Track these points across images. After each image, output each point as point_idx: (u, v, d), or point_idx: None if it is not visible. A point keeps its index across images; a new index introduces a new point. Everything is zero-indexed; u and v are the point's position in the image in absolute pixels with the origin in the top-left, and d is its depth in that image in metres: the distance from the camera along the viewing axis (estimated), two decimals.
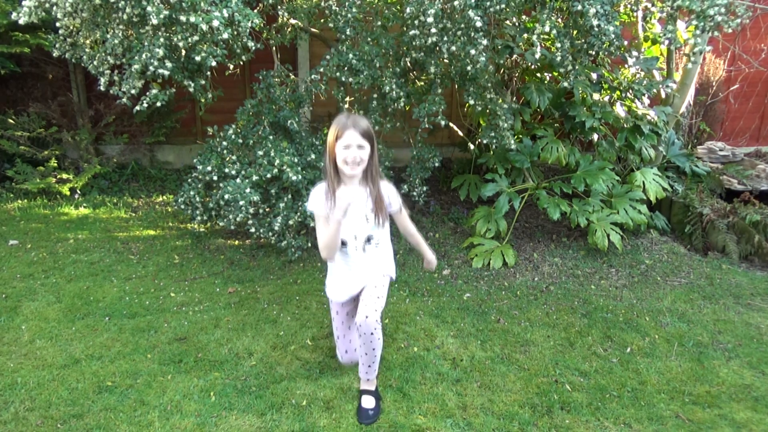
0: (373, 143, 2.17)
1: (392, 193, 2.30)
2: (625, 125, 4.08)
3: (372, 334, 2.20)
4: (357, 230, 2.26)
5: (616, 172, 4.21)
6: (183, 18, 2.70)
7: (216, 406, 2.35)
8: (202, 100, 3.43)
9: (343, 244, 2.27)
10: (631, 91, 4.15)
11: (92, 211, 4.62)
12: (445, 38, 3.04)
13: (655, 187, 4.07)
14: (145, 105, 3.10)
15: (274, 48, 3.92)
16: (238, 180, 3.33)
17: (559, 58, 3.13)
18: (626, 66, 4.38)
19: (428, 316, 3.12)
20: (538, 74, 4.34)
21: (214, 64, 2.90)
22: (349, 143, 2.11)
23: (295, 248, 3.52)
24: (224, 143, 3.53)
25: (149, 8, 2.65)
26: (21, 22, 2.95)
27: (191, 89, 3.16)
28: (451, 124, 4.63)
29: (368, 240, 2.28)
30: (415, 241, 2.51)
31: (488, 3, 2.92)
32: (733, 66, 5.63)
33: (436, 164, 3.89)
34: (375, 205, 2.22)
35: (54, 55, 3.41)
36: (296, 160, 3.36)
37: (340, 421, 2.28)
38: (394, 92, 3.40)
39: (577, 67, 3.30)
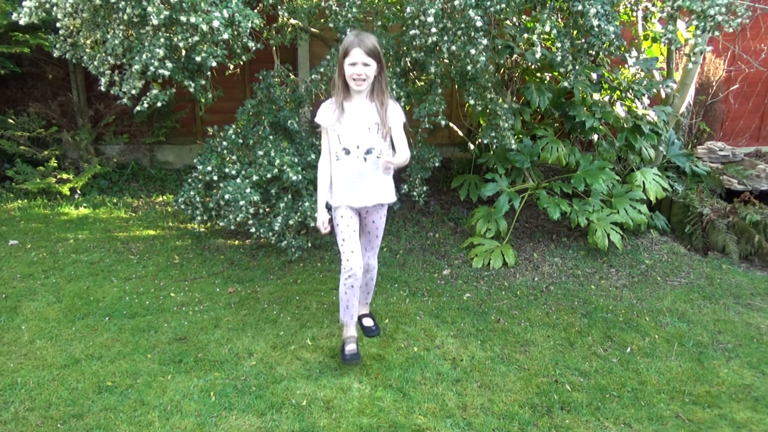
0: (380, 61, 2.34)
1: (396, 110, 2.43)
2: (625, 125, 4.08)
3: (372, 274, 2.79)
4: (360, 140, 2.42)
5: (616, 172, 4.21)
6: (183, 18, 2.70)
7: (216, 406, 2.35)
8: (202, 100, 3.43)
9: (347, 152, 2.44)
10: (631, 91, 4.15)
11: (92, 211, 4.62)
12: (446, 38, 3.04)
13: (655, 187, 4.07)
14: (146, 105, 3.10)
15: (274, 48, 3.92)
16: (238, 180, 3.33)
17: (559, 58, 3.13)
18: (626, 66, 4.38)
19: (428, 316, 3.12)
20: (538, 74, 4.33)
21: (214, 64, 2.90)
22: (355, 60, 2.29)
23: (296, 248, 3.52)
24: (224, 143, 3.53)
25: (149, 9, 2.65)
26: (21, 22, 2.95)
27: (191, 89, 3.16)
28: (451, 124, 4.63)
29: (369, 151, 2.43)
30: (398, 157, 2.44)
31: (488, 3, 2.92)
32: (733, 66, 5.63)
33: (436, 164, 3.88)
34: (379, 117, 2.39)
35: (54, 55, 3.41)
36: (296, 160, 3.36)
37: (340, 421, 2.28)
38: (394, 92, 3.40)
39: (577, 67, 3.30)
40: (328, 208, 2.61)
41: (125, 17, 2.84)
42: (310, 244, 3.62)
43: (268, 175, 3.30)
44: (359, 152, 2.43)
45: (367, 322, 2.94)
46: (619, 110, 4.22)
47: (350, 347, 2.61)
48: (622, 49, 3.18)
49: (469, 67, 3.16)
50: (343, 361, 2.58)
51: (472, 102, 3.54)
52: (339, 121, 2.40)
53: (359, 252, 2.54)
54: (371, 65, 2.32)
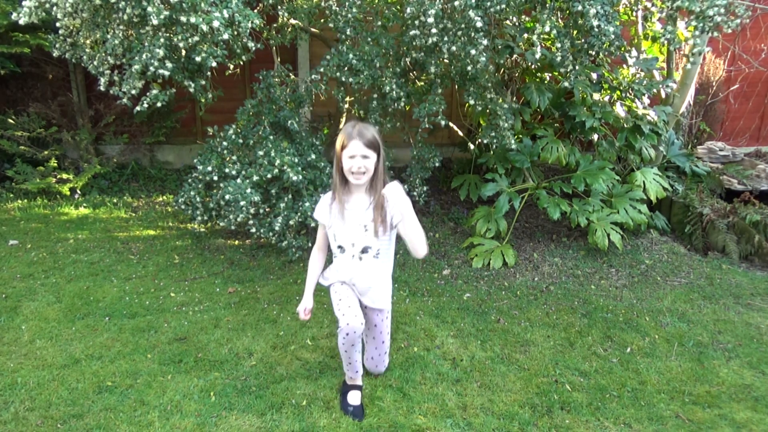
0: (379, 152, 2.19)
1: (395, 203, 2.10)
2: (625, 125, 4.08)
3: (376, 370, 2.55)
4: (354, 238, 2.27)
5: (616, 172, 4.21)
6: (183, 18, 2.70)
7: (216, 406, 2.35)
8: (202, 100, 3.43)
9: (342, 250, 2.31)
10: (631, 91, 4.15)
11: (92, 211, 4.62)
12: (446, 38, 3.04)
13: (655, 187, 4.07)
14: (146, 105, 3.10)
15: (274, 48, 3.92)
16: (238, 180, 3.33)
17: (559, 58, 3.13)
18: (626, 66, 4.38)
19: (428, 316, 3.12)
20: (538, 74, 4.34)
21: (214, 64, 2.90)
22: (354, 153, 2.15)
23: (296, 248, 3.52)
24: (224, 143, 3.53)
25: (149, 9, 2.65)
26: (21, 22, 2.95)
27: (191, 89, 3.16)
28: (451, 124, 4.63)
29: (365, 250, 2.27)
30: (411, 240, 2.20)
31: (488, 3, 2.92)
32: (733, 66, 5.63)
33: (436, 164, 3.89)
34: (374, 214, 2.22)
35: (54, 55, 3.41)
36: (296, 160, 3.36)
37: (340, 421, 2.28)
38: (394, 92, 3.40)
39: (577, 67, 3.30)
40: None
41: (125, 17, 2.84)
42: (310, 244, 3.62)
43: (269, 175, 3.30)
44: (354, 251, 2.28)
45: (352, 399, 2.41)
46: (619, 110, 4.22)
47: (353, 398, 2.37)
48: (622, 49, 3.18)
49: (469, 67, 3.16)
50: (344, 411, 2.34)
51: (472, 102, 3.54)
52: (336, 218, 2.26)
53: (356, 309, 2.24)
54: (371, 158, 2.16)
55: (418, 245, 2.13)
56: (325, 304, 3.20)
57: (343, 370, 2.42)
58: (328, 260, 2.45)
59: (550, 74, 4.39)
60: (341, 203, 2.25)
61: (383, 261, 2.32)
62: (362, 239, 2.26)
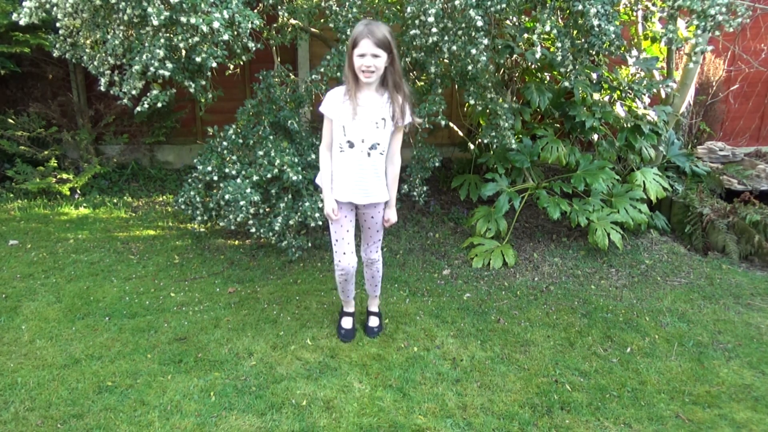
0: (391, 51, 2.24)
1: (407, 108, 2.37)
2: (625, 125, 4.08)
3: (377, 266, 2.76)
4: (366, 134, 2.35)
5: (616, 172, 4.21)
6: (183, 19, 2.70)
7: (216, 406, 2.35)
8: (202, 101, 3.43)
9: (351, 145, 2.37)
10: (631, 91, 4.15)
11: (92, 211, 4.62)
12: (446, 38, 3.04)
13: (655, 187, 4.07)
14: (146, 106, 3.10)
15: (274, 48, 3.92)
16: (238, 180, 3.33)
17: (559, 58, 3.13)
18: (626, 66, 4.38)
19: (428, 316, 3.12)
20: (539, 74, 4.34)
21: (214, 64, 2.90)
22: (364, 52, 2.20)
23: (296, 248, 3.52)
24: (224, 143, 3.53)
25: (150, 9, 2.65)
26: (22, 23, 2.95)
27: (191, 89, 3.16)
28: (451, 124, 4.63)
29: (374, 146, 2.37)
30: (390, 175, 2.53)
31: (489, 3, 2.92)
32: (733, 66, 5.63)
33: (436, 164, 3.88)
34: (391, 111, 2.33)
35: (54, 55, 3.41)
36: (296, 160, 3.36)
37: (340, 421, 2.28)
38: None
39: (577, 67, 3.30)
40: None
41: (125, 17, 2.84)
42: (310, 244, 3.62)
43: (268, 175, 3.30)
44: (363, 146, 2.37)
45: (372, 321, 2.93)
46: (619, 110, 4.22)
47: (346, 323, 2.80)
48: (623, 48, 3.18)
49: (469, 67, 3.16)
50: (338, 335, 2.79)
51: (472, 102, 3.54)
52: (348, 113, 2.32)
53: (351, 251, 2.56)
54: (381, 56, 2.23)
55: (397, 161, 2.49)
56: (325, 304, 3.20)
57: (340, 298, 2.85)
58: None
59: (550, 74, 4.39)
60: (354, 100, 2.30)
61: (385, 157, 2.46)
62: (373, 135, 2.35)
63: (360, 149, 2.37)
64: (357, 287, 3.13)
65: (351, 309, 2.90)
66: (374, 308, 2.98)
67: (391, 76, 2.30)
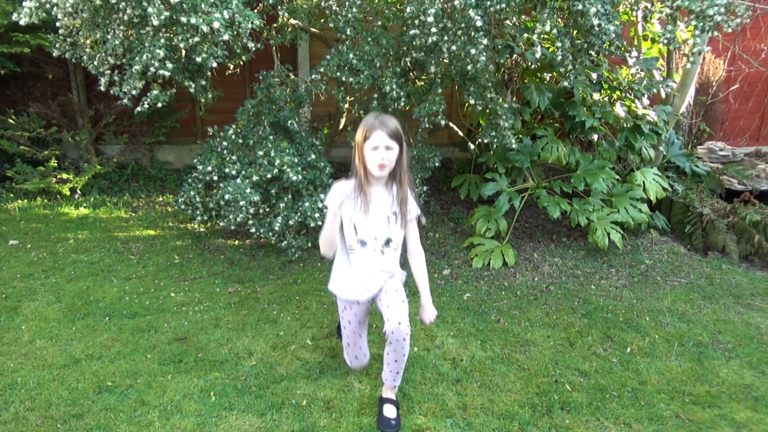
0: (402, 144, 2.12)
1: (412, 202, 2.26)
2: (625, 125, 4.08)
3: (404, 339, 2.18)
4: (378, 231, 2.21)
5: (617, 172, 4.21)
6: (183, 19, 2.70)
7: (216, 406, 2.35)
8: (203, 101, 3.43)
9: (363, 244, 2.22)
10: (631, 91, 4.15)
11: (92, 211, 4.62)
12: (446, 38, 3.04)
13: (655, 187, 4.07)
14: (146, 106, 3.10)
15: (274, 48, 3.92)
16: (238, 180, 3.33)
17: (559, 58, 3.13)
18: (626, 66, 4.38)
19: None
20: (538, 74, 4.34)
21: (214, 64, 2.91)
22: (377, 145, 2.07)
23: (296, 248, 3.52)
24: (224, 143, 3.53)
25: (150, 9, 2.65)
26: (22, 23, 2.95)
27: (192, 89, 3.16)
28: (451, 124, 4.63)
29: (387, 242, 2.24)
30: (417, 268, 2.33)
31: (488, 2, 2.92)
32: (733, 66, 5.63)
33: (436, 164, 3.89)
34: (399, 206, 2.20)
35: (54, 55, 3.41)
36: (296, 160, 3.36)
37: (340, 421, 2.28)
38: (394, 92, 3.40)
39: (577, 67, 3.30)
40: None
41: (125, 17, 2.84)
42: (310, 244, 3.62)
43: (268, 175, 3.30)
44: (377, 245, 2.22)
45: (389, 411, 2.30)
46: (619, 110, 4.22)
47: (391, 413, 2.29)
48: (622, 48, 3.18)
49: (469, 67, 3.16)
50: (380, 428, 2.25)
51: (472, 102, 3.54)
52: (359, 211, 2.15)
53: (364, 354, 2.44)
54: (394, 149, 2.09)
55: (420, 253, 2.35)
56: (325, 304, 3.20)
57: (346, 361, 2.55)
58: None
59: (550, 74, 4.39)
60: (366, 196, 2.15)
61: (399, 252, 2.32)
62: (385, 232, 2.22)
63: (373, 248, 2.22)
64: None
65: (391, 395, 2.39)
66: (392, 394, 2.38)
67: (399, 169, 2.16)
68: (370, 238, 2.21)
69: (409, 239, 2.33)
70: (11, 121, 4.85)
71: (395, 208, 2.21)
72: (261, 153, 3.38)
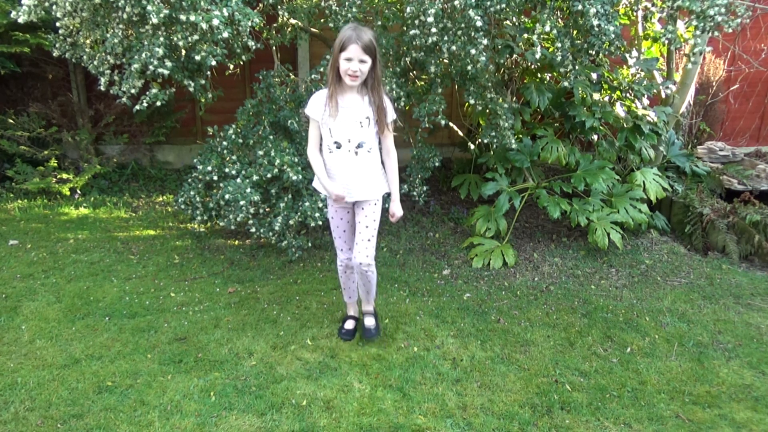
0: (375, 56, 2.31)
1: (389, 107, 2.45)
2: (625, 125, 4.08)
3: (367, 272, 2.58)
4: (351, 134, 2.41)
5: (616, 172, 4.21)
6: (183, 17, 2.70)
7: (216, 406, 2.35)
8: (202, 100, 3.43)
9: (338, 146, 2.43)
10: (631, 91, 4.15)
11: (92, 211, 4.62)
12: (446, 38, 3.04)
13: (655, 187, 4.07)
14: (145, 104, 3.10)
15: (274, 48, 3.92)
16: (238, 180, 3.33)
17: (559, 58, 3.13)
18: (626, 66, 4.38)
19: (428, 316, 3.12)
20: (538, 74, 4.34)
21: (214, 63, 2.90)
22: (351, 56, 2.26)
23: (296, 248, 3.52)
24: (224, 143, 3.53)
25: (149, 7, 2.65)
26: (20, 21, 2.95)
27: (191, 89, 3.16)
28: (451, 124, 4.63)
29: (360, 145, 2.43)
30: (390, 170, 2.56)
31: (488, 3, 2.92)
32: (733, 66, 5.63)
33: (436, 164, 3.89)
34: (377, 113, 2.40)
35: (54, 54, 3.41)
36: (296, 160, 3.36)
37: (340, 421, 2.28)
38: (394, 92, 3.40)
39: (577, 67, 3.30)
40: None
41: (125, 16, 2.84)
42: (310, 244, 3.62)
43: (268, 175, 3.30)
44: (350, 146, 2.42)
45: (368, 321, 2.84)
46: (619, 110, 4.22)
47: (349, 325, 2.86)
48: (622, 49, 3.18)
49: (469, 67, 3.16)
50: (339, 335, 2.84)
51: (472, 102, 3.54)
52: (331, 115, 2.38)
53: (350, 247, 2.68)
54: (367, 62, 2.29)
55: (393, 154, 2.53)
56: (325, 304, 3.20)
57: (343, 297, 2.88)
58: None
59: (550, 74, 4.39)
60: (336, 102, 2.37)
61: (374, 155, 2.50)
62: (358, 134, 2.41)
63: (347, 149, 2.43)
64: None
65: (352, 312, 2.94)
66: (369, 308, 2.87)
67: (371, 79, 2.36)
68: (344, 140, 2.42)
69: (384, 142, 2.53)
70: (11, 121, 4.85)
71: (369, 114, 2.41)
72: (261, 153, 3.38)
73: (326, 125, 2.42)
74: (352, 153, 2.43)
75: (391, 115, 2.47)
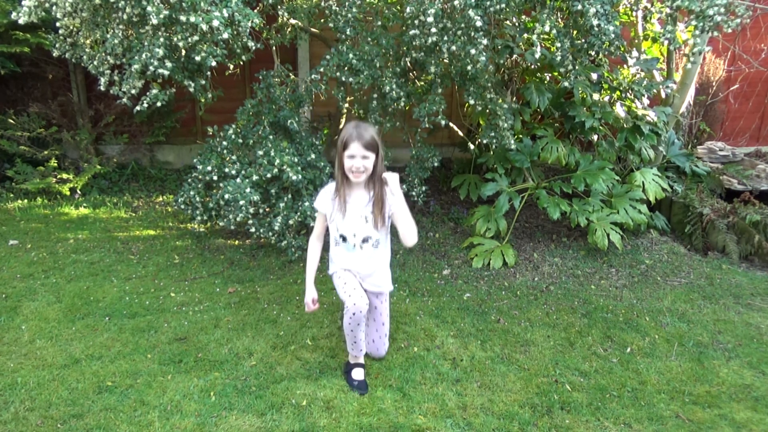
0: (378, 152, 2.35)
1: (392, 195, 2.35)
2: (625, 125, 4.07)
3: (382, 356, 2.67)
4: (356, 229, 2.43)
5: (616, 173, 4.21)
6: (183, 18, 2.70)
7: (216, 406, 2.35)
8: (202, 100, 3.43)
9: (344, 239, 2.46)
10: (631, 91, 4.15)
11: (92, 211, 4.62)
12: (445, 38, 3.04)
13: (654, 188, 4.07)
14: (146, 105, 3.10)
15: (274, 48, 3.92)
16: (238, 180, 3.33)
17: (559, 58, 3.13)
18: (626, 66, 4.38)
19: (428, 316, 3.12)
20: (538, 74, 4.34)
21: (214, 64, 2.90)
22: (354, 154, 2.30)
23: (295, 248, 3.52)
24: (224, 143, 3.53)
25: (149, 8, 2.65)
26: (21, 21, 2.95)
27: (191, 89, 3.16)
28: (451, 124, 4.63)
29: (366, 240, 2.45)
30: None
31: (488, 3, 2.92)
32: (733, 66, 5.63)
33: (436, 164, 3.89)
34: (373, 209, 2.41)
35: (54, 55, 3.41)
36: (296, 160, 3.36)
37: (340, 421, 2.28)
38: (394, 92, 3.40)
39: (577, 67, 3.30)
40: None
41: (125, 17, 2.84)
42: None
43: (268, 175, 3.30)
44: (356, 240, 2.44)
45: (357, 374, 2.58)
46: (619, 110, 4.22)
47: (358, 374, 2.52)
48: (622, 49, 3.18)
49: (469, 67, 3.16)
50: (350, 386, 2.49)
51: (472, 102, 3.54)
52: (339, 211, 2.42)
53: (361, 291, 2.41)
54: (370, 158, 2.32)
55: (409, 235, 2.36)
56: (326, 304, 3.20)
57: (348, 350, 2.57)
58: (325, 252, 2.62)
59: (550, 74, 4.39)
60: (343, 198, 2.41)
61: (382, 250, 2.50)
62: (363, 230, 2.43)
63: (352, 243, 2.45)
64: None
65: (361, 361, 2.60)
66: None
67: (375, 173, 2.38)
68: (350, 235, 2.45)
69: (398, 219, 2.38)
70: (11, 121, 4.85)
71: (372, 210, 2.41)
72: (261, 153, 3.38)
73: (332, 219, 2.47)
74: (358, 247, 2.45)
75: (394, 203, 2.35)
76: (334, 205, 2.44)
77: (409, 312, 3.16)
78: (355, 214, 2.42)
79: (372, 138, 2.31)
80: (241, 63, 3.62)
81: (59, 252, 3.81)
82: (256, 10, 3.21)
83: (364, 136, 2.29)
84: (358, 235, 2.43)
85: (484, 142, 3.75)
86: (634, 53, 4.29)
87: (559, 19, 3.56)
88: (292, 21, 3.84)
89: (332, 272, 2.57)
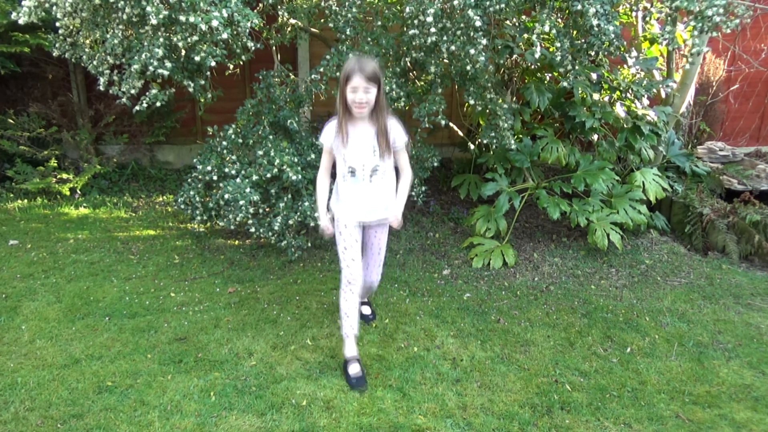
0: (380, 85, 2.36)
1: (398, 131, 2.47)
2: (625, 125, 4.07)
3: (371, 288, 2.83)
4: (365, 160, 2.45)
5: (616, 173, 4.21)
6: (182, 18, 2.70)
7: (216, 406, 2.35)
8: (202, 100, 3.43)
9: (353, 173, 2.47)
10: (630, 91, 4.15)
11: (92, 211, 4.62)
12: (445, 38, 3.04)
13: (654, 188, 4.06)
14: (145, 105, 3.10)
15: (274, 48, 3.92)
16: (238, 180, 3.33)
17: (559, 58, 3.13)
18: (626, 66, 4.38)
19: (428, 316, 3.12)
20: (538, 74, 4.34)
21: (213, 64, 2.90)
22: (356, 86, 2.31)
23: (295, 248, 3.52)
24: (224, 143, 3.53)
25: (149, 8, 2.65)
26: (21, 22, 2.95)
27: (191, 89, 3.16)
28: (451, 124, 4.63)
29: (374, 170, 2.47)
30: (401, 183, 2.58)
31: (488, 3, 2.92)
32: (733, 66, 5.63)
33: (435, 164, 3.88)
34: (378, 139, 2.43)
35: (54, 55, 3.41)
36: (296, 160, 3.36)
37: (340, 421, 2.28)
38: (394, 92, 3.40)
39: (577, 67, 3.30)
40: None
41: (124, 17, 2.84)
42: (310, 244, 3.62)
43: (268, 175, 3.30)
44: (365, 173, 2.46)
45: (365, 309, 3.03)
46: (619, 110, 4.22)
47: (354, 370, 2.52)
48: (622, 49, 3.18)
49: (468, 67, 3.16)
50: (349, 384, 2.49)
51: (472, 102, 3.54)
52: (343, 143, 2.43)
53: (359, 261, 2.58)
54: (371, 91, 2.33)
55: (409, 172, 2.54)
56: (325, 304, 3.20)
57: (341, 333, 2.62)
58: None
59: (550, 74, 4.39)
60: (346, 132, 2.41)
61: (389, 178, 2.54)
62: (371, 161, 2.45)
63: (361, 176, 2.47)
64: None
65: (354, 351, 2.60)
66: (364, 299, 3.03)
67: (378, 105, 2.41)
68: (359, 167, 2.46)
69: (398, 161, 2.56)
70: (11, 121, 4.85)
71: (377, 141, 2.44)
72: (261, 153, 3.38)
73: (340, 153, 2.48)
74: (367, 179, 2.47)
75: (400, 138, 2.48)
76: (339, 140, 2.44)
77: (409, 312, 3.16)
78: (362, 145, 2.43)
79: (374, 70, 2.30)
80: (241, 63, 3.62)
81: (59, 252, 3.81)
82: (255, 10, 3.21)
83: (366, 68, 2.28)
84: (367, 167, 2.45)
85: (484, 142, 3.75)
86: (634, 53, 4.28)
87: (559, 19, 3.56)
88: (292, 21, 3.84)
89: (337, 218, 2.57)
